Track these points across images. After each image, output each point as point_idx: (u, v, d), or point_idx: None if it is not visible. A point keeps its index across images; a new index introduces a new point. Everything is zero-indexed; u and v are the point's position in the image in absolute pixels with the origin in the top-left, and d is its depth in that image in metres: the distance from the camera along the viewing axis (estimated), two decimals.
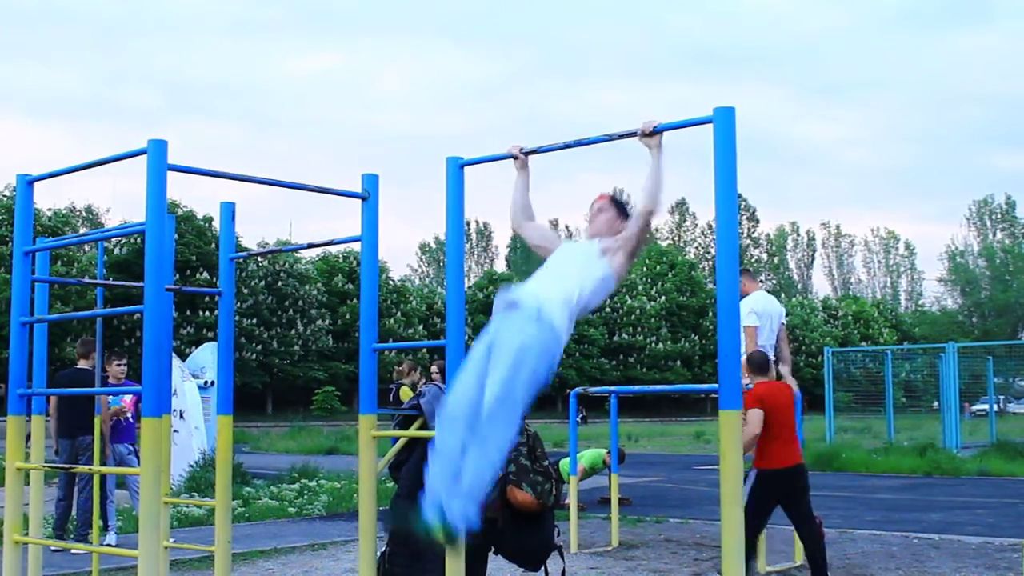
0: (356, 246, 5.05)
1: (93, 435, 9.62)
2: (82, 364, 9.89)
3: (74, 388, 9.39)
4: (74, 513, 9.95)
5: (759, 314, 8.83)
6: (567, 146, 4.83)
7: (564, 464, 11.98)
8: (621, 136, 4.66)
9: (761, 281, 9.46)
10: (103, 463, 9.40)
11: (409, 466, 5.86)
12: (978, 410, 33.17)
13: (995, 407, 27.86)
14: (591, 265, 4.61)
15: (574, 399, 10.18)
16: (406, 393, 11.81)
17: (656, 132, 4.41)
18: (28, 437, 5.58)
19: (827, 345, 40.18)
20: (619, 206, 4.96)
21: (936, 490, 15.47)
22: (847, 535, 10.48)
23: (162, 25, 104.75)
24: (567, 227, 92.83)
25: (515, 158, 4.93)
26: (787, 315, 9.49)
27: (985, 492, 15.06)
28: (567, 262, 4.66)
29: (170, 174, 4.18)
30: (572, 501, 9.87)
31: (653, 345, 62.56)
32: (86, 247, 44.24)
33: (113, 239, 43.81)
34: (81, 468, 5.62)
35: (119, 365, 10.06)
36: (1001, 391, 33.98)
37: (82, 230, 58.68)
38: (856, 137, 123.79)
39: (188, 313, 47.06)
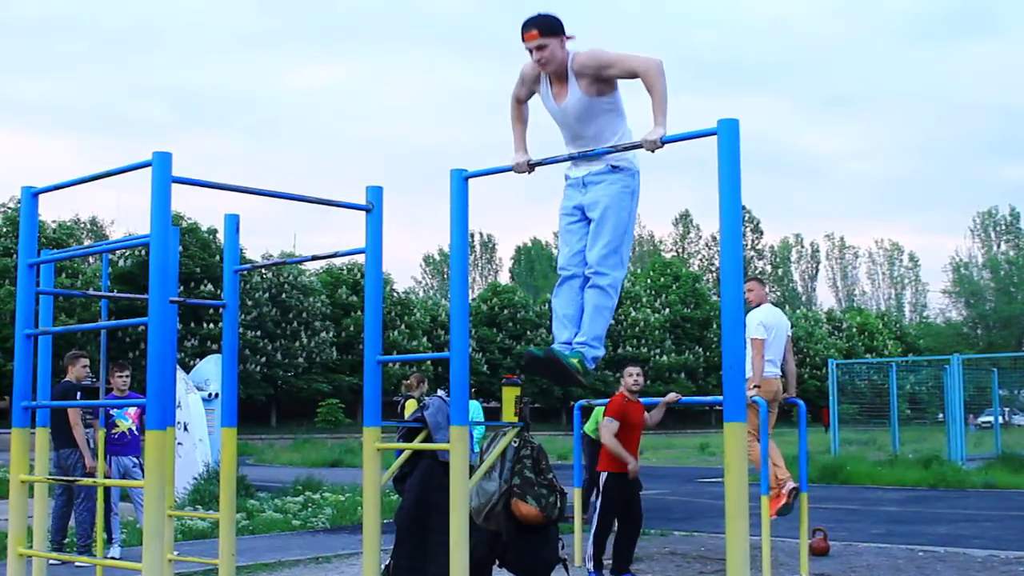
0: (360, 258, 5.06)
1: (73, 448, 9.64)
2: (68, 377, 9.85)
3: (60, 401, 9.33)
4: (72, 524, 9.93)
5: (767, 327, 8.80)
6: (572, 158, 4.84)
7: (598, 412, 11.26)
8: (626, 148, 4.67)
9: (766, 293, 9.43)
10: (83, 474, 9.39)
11: (413, 479, 5.85)
12: (983, 422, 33.06)
13: (1000, 419, 27.74)
14: (593, 111, 4.78)
15: (578, 412, 10.15)
16: (413, 406, 11.78)
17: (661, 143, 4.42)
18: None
19: (831, 357, 40.09)
20: (551, 30, 4.73)
21: (941, 503, 15.42)
22: (852, 548, 10.44)
23: (168, 38, 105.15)
24: None
25: (522, 171, 4.93)
26: (792, 327, 9.47)
27: (990, 505, 15.01)
28: (580, 126, 4.82)
29: (175, 186, 4.19)
30: (576, 514, 9.83)
31: (657, 357, 62.37)
32: (90, 259, 44.27)
33: (117, 251, 43.88)
34: (86, 480, 5.57)
35: (122, 377, 10.05)
36: (1006, 403, 33.84)
37: (86, 242, 58.82)
38: (860, 149, 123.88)
39: (192, 325, 47.05)
